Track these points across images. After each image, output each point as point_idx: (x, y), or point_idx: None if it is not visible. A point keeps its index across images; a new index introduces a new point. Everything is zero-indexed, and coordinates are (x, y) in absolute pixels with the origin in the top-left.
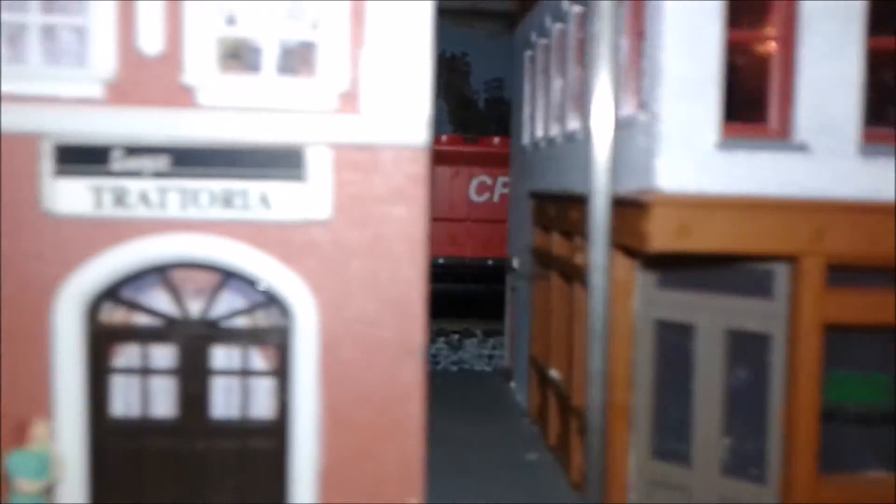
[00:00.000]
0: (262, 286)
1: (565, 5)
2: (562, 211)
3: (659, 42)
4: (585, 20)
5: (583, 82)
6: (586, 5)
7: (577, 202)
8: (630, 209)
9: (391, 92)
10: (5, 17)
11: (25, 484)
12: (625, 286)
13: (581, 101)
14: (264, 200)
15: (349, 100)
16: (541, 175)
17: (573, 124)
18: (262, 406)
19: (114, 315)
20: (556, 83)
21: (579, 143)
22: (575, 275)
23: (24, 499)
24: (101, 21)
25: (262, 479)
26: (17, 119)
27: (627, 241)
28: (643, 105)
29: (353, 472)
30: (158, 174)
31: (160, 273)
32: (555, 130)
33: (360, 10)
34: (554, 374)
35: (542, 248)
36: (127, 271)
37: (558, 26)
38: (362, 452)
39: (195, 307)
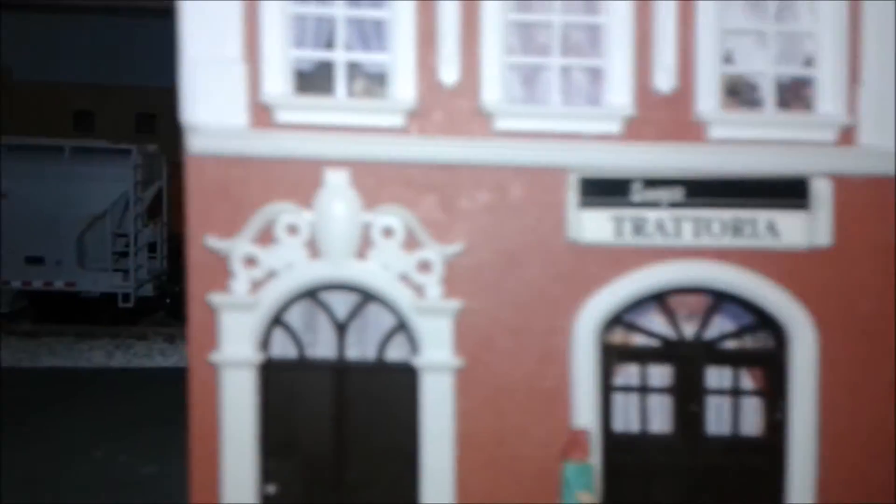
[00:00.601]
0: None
1: None
2: None
3: None
4: None
5: None
6: None
7: None
8: None
9: (887, 122)
10: (527, 60)
11: (586, 496)
12: None
13: None
14: (771, 228)
15: (847, 132)
16: None
17: None
18: (749, 424)
19: (616, 336)
20: None
21: None
22: None
23: None
24: (620, 64)
25: (755, 494)
26: (545, 155)
27: None
28: None
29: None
30: (674, 204)
31: (657, 297)
32: None
33: (856, 45)
34: None
35: None
36: (639, 295)
37: None
38: None
39: (688, 330)
